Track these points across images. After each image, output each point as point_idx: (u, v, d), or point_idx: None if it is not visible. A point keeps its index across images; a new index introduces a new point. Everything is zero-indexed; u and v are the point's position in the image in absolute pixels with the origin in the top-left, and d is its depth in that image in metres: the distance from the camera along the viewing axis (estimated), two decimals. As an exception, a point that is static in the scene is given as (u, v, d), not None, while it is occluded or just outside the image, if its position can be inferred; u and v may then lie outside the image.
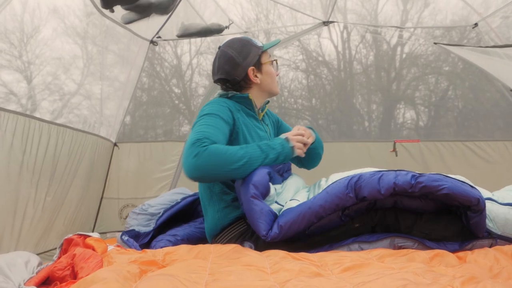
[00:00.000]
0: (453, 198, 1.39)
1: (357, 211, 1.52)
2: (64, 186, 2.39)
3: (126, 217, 3.17)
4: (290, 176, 1.93)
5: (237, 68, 1.87)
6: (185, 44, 3.58)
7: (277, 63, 2.01)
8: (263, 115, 2.01)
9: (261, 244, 1.52)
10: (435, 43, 3.24)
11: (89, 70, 2.95)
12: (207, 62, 3.70)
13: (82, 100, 2.95)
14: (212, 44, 3.50)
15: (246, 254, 1.33)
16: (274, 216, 1.50)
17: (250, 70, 1.88)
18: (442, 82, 4.06)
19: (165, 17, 2.71)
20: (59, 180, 2.33)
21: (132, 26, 2.66)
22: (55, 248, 1.59)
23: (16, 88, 2.58)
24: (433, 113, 4.02)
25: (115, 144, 3.22)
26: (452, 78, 3.98)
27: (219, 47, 1.95)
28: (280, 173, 1.87)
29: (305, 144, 1.77)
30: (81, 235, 1.49)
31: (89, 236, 1.49)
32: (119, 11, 2.35)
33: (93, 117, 2.92)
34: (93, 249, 1.35)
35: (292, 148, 1.69)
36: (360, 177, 1.47)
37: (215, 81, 1.97)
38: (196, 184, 1.84)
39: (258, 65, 1.91)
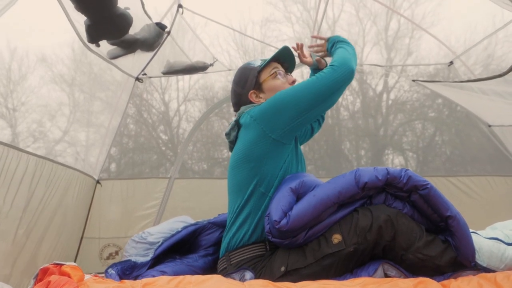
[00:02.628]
0: (434, 200, 1.46)
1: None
2: (38, 220, 2.25)
3: (107, 257, 3.04)
4: None
5: (241, 97, 1.92)
6: (173, 90, 3.61)
7: (276, 73, 1.92)
8: None
9: (264, 275, 1.53)
10: (413, 81, 3.30)
11: (75, 117, 2.94)
12: (194, 109, 3.72)
13: (66, 148, 2.91)
14: (199, 91, 3.54)
15: (228, 283, 1.29)
16: None
17: (251, 94, 1.90)
18: (428, 128, 4.12)
19: (150, 54, 2.73)
20: (33, 213, 2.20)
21: (118, 63, 2.68)
22: None
23: (0, 135, 2.54)
24: (421, 159, 4.04)
25: (97, 182, 3.11)
26: (438, 124, 4.04)
27: None
28: None
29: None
30: (57, 264, 1.42)
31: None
32: (105, 46, 2.37)
33: (78, 165, 2.87)
34: (69, 277, 1.27)
35: None
36: (357, 169, 1.58)
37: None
38: (198, 213, 1.77)
39: (258, 86, 1.91)
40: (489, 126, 3.27)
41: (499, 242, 1.49)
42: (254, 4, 3.22)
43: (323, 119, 2.38)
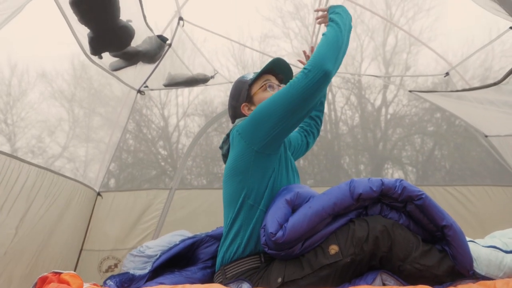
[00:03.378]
0: (429, 210, 1.46)
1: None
2: (36, 231, 2.24)
3: (106, 270, 3.01)
4: None
5: (236, 110, 1.95)
6: (172, 106, 3.62)
7: (266, 85, 1.93)
8: None
9: (260, 287, 1.52)
10: (410, 91, 3.33)
11: (74, 132, 2.94)
12: (194, 124, 3.73)
13: (65, 163, 2.91)
14: (199, 106, 3.55)
15: (226, 292, 1.28)
16: None
17: (243, 107, 1.93)
18: (428, 142, 4.12)
19: (152, 66, 2.76)
20: (31, 223, 2.19)
21: (120, 75, 2.69)
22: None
23: (-1, 150, 2.53)
24: (421, 173, 4.03)
25: (98, 194, 3.10)
26: (437, 139, 4.05)
27: None
28: None
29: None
30: (56, 273, 1.41)
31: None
32: (108, 58, 2.39)
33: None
34: (68, 285, 1.28)
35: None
36: (351, 181, 1.57)
37: None
38: (196, 226, 1.75)
39: (250, 99, 1.93)
40: (486, 136, 3.29)
41: (497, 250, 1.49)
42: (253, 21, 3.26)
43: (318, 132, 2.38)
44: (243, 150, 1.73)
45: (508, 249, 1.50)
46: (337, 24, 1.75)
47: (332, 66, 1.64)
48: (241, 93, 1.94)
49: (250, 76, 1.97)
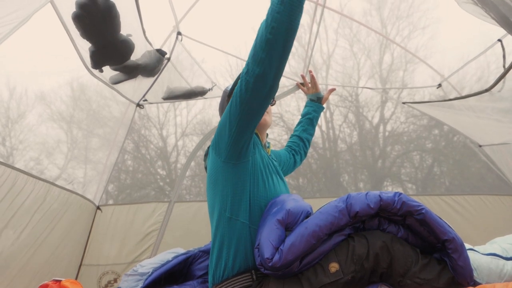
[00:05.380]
0: (429, 223, 1.44)
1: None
2: (36, 246, 2.22)
3: (106, 285, 2.96)
4: None
5: None
6: (171, 126, 3.63)
7: None
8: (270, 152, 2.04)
9: None
10: (403, 103, 3.35)
11: (73, 154, 2.94)
12: (192, 144, 3.73)
13: (64, 185, 2.89)
14: (197, 126, 3.55)
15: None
16: None
17: None
18: (427, 159, 4.12)
19: (151, 80, 2.78)
20: (31, 237, 2.17)
21: (120, 89, 2.71)
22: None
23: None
24: (420, 190, 4.02)
25: (98, 208, 3.07)
26: (436, 155, 4.05)
27: None
28: None
29: None
30: (56, 280, 1.41)
31: (64, 281, 1.43)
32: (108, 72, 2.42)
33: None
34: None
35: None
36: (348, 196, 1.55)
37: None
38: (189, 242, 1.75)
39: None
40: (480, 146, 3.29)
41: (497, 258, 1.48)
42: (250, 40, 3.29)
43: (305, 154, 2.45)
44: (214, 162, 1.74)
45: (508, 256, 1.49)
46: (267, 12, 1.54)
47: (258, 66, 1.51)
48: (225, 103, 1.97)
49: (230, 86, 2.01)
